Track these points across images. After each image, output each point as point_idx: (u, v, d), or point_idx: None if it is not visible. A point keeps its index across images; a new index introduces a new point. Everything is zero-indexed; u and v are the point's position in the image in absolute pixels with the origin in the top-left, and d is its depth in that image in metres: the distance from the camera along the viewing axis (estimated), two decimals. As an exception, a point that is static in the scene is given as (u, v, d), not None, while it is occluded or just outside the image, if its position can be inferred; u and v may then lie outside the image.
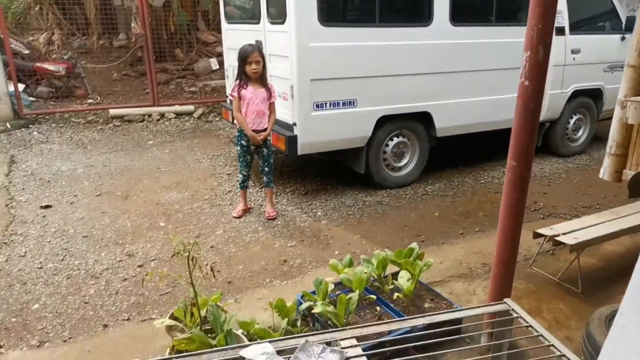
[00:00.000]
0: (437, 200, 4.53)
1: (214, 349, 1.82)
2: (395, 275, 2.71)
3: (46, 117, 7.05)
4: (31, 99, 7.22)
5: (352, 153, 4.55)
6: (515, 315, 1.80)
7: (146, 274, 2.99)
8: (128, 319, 2.77)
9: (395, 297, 2.54)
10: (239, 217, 4.09)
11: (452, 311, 1.90)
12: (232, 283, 3.15)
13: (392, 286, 2.67)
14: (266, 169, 4.04)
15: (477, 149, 5.87)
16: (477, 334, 2.44)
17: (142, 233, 3.81)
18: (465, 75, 4.69)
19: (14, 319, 2.75)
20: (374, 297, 2.59)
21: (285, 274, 3.26)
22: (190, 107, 7.60)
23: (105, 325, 2.71)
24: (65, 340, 2.59)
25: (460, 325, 2.42)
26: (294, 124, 4.08)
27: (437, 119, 4.65)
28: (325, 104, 4.09)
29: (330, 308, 2.34)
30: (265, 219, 4.05)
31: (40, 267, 3.28)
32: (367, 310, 2.57)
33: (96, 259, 3.41)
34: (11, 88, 6.65)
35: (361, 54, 4.14)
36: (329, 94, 4.08)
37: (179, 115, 7.44)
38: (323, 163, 5.34)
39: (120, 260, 3.39)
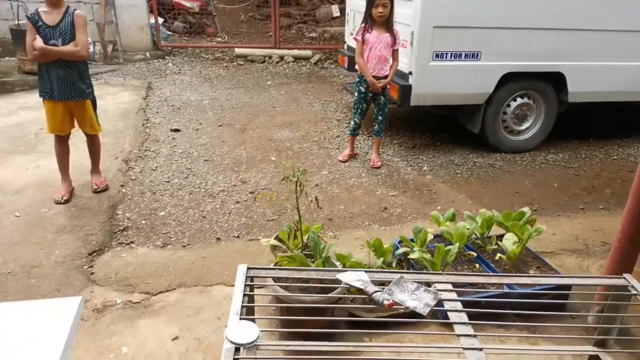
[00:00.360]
0: (557, 170, 4.20)
1: (314, 268, 1.95)
2: (500, 237, 2.61)
3: (179, 50, 7.65)
4: (168, 32, 7.85)
5: (467, 110, 4.34)
6: (634, 292, 1.66)
7: (258, 193, 3.22)
8: (238, 237, 3.04)
9: (497, 257, 2.47)
10: (345, 161, 4.17)
11: (561, 276, 1.80)
12: (332, 220, 3.27)
13: (495, 247, 2.59)
14: (380, 117, 4.02)
15: (613, 121, 5.25)
16: (584, 308, 2.29)
17: (255, 164, 4.07)
18: (610, 35, 4.13)
19: (143, 221, 3.16)
20: (474, 254, 2.54)
21: (384, 220, 3.31)
22: (308, 52, 7.73)
23: (218, 239, 3.01)
24: (184, 246, 2.93)
25: (568, 294, 2.26)
26: (410, 73, 3.97)
27: (571, 82, 4.21)
28: (446, 54, 3.90)
29: (428, 256, 2.35)
30: (369, 167, 4.09)
31: (168, 181, 3.68)
32: (465, 266, 2.53)
33: (214, 181, 3.73)
34: (152, 20, 7.27)
35: (492, 1, 3.84)
36: (451, 43, 3.88)
37: (296, 59, 7.62)
38: (434, 118, 5.18)
39: (234, 185, 3.68)
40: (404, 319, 2.05)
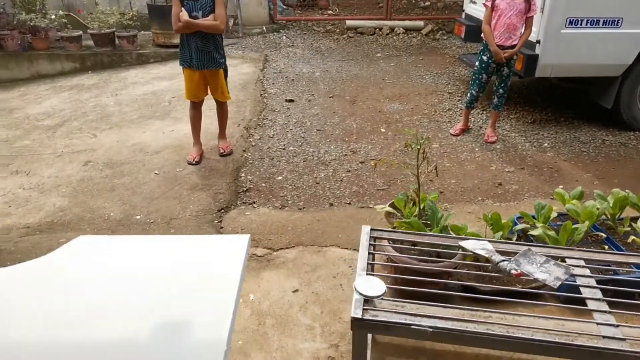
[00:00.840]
0: None
1: (436, 233, 1.98)
2: (634, 219, 2.42)
3: (293, 24, 7.87)
4: (283, 6, 8.10)
5: (600, 83, 3.97)
6: None
7: (379, 160, 3.28)
8: (349, 203, 3.15)
9: (630, 240, 2.29)
10: (457, 135, 4.07)
11: None
12: (443, 193, 3.24)
13: (628, 229, 2.40)
14: (500, 90, 3.84)
15: None
16: None
17: (365, 135, 4.13)
18: None
19: (263, 184, 3.39)
20: (603, 235, 2.38)
21: (498, 196, 3.20)
22: (420, 23, 7.51)
23: (331, 204, 3.14)
24: (300, 209, 3.11)
25: None
26: (537, 42, 3.71)
27: None
28: (581, 20, 3.57)
29: (552, 233, 2.25)
30: (483, 142, 3.95)
31: (284, 149, 3.89)
32: (592, 247, 2.39)
33: (326, 150, 3.87)
34: (269, -5, 7.54)
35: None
36: (588, 8, 3.55)
37: (407, 30, 7.45)
38: (559, 91, 4.81)
39: (345, 155, 3.78)
40: (517, 299, 2.00)
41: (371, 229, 1.89)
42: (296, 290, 2.36)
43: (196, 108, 3.59)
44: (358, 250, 2.65)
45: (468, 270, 2.25)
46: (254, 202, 3.18)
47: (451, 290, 2.27)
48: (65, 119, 4.47)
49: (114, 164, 3.62)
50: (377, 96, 5.02)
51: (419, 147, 2.19)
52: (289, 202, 3.19)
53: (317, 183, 3.40)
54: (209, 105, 3.81)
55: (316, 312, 2.22)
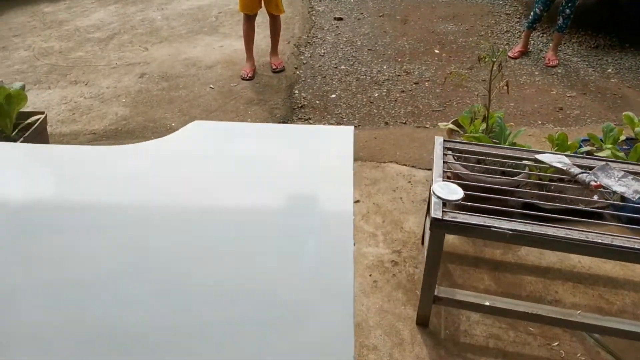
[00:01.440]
0: None
1: (509, 147, 1.98)
2: None
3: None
4: None
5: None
6: None
7: (450, 73, 3.22)
8: (405, 123, 3.14)
9: (703, 164, 2.24)
10: (515, 57, 3.91)
11: None
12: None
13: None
14: (567, 10, 3.61)
15: None
16: None
17: (418, 56, 4.01)
18: None
19: (317, 102, 3.39)
20: (674, 159, 2.33)
21: (559, 121, 3.13)
22: (475, -62, 6.96)
23: (387, 123, 3.14)
24: (356, 126, 3.10)
25: None
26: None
27: None
28: None
29: (621, 154, 2.22)
30: (543, 65, 3.79)
31: (335, 67, 3.84)
32: (659, 171, 2.35)
33: (379, 69, 3.79)
34: None
35: None
36: None
37: (460, -54, 6.94)
38: (624, 16, 4.50)
39: (398, 75, 3.71)
40: (579, 219, 2.02)
41: (444, 140, 1.90)
42: (357, 201, 2.44)
43: (250, 21, 3.53)
44: (416, 167, 2.71)
45: (530, 189, 2.27)
46: (310, 118, 3.20)
47: (513, 207, 2.30)
48: (115, 32, 4.47)
49: (169, 77, 3.66)
50: (429, 16, 4.80)
51: (494, 60, 2.13)
52: (344, 119, 3.20)
53: (371, 102, 3.37)
54: (259, 22, 3.73)
55: (378, 221, 2.30)
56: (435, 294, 1.67)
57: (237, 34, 4.32)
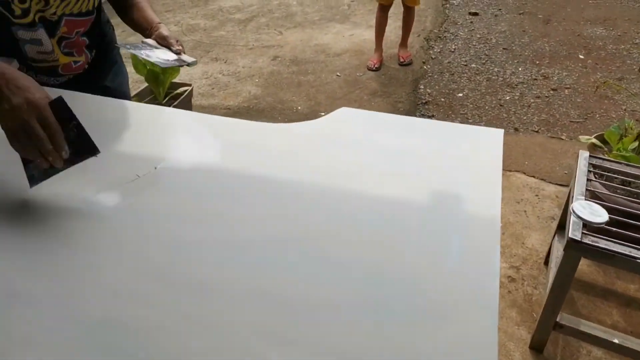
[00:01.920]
0: None
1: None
2: None
3: None
4: None
5: None
6: None
7: (603, 82, 2.98)
8: (537, 131, 2.93)
9: None
10: (678, 71, 3.44)
11: None
12: (652, 136, 2.84)
13: None
14: None
15: None
16: None
17: (559, 60, 3.71)
18: None
19: (442, 99, 3.30)
20: None
21: None
22: None
23: (516, 129, 2.96)
24: (481, 128, 2.98)
25: None
26: None
27: None
28: None
29: None
30: None
31: (465, 65, 3.69)
32: None
33: (513, 71, 3.58)
34: None
35: None
36: None
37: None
38: None
39: (535, 79, 3.47)
40: None
41: (590, 156, 1.74)
42: (476, 207, 2.34)
43: (384, 11, 3.52)
44: (545, 180, 2.53)
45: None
46: (433, 116, 3.13)
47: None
48: (254, 15, 4.73)
49: (299, 61, 3.80)
50: (576, 17, 4.40)
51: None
52: (470, 120, 3.08)
53: (500, 105, 3.20)
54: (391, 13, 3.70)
55: (497, 232, 2.19)
56: (558, 320, 1.56)
57: (368, 23, 4.34)
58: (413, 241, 0.82)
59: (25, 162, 0.83)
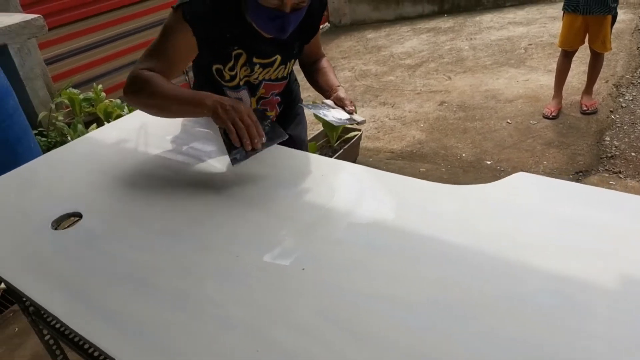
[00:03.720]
0: None
1: None
2: None
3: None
4: None
5: None
6: None
7: None
8: None
9: None
10: None
11: None
12: None
13: None
14: None
15: None
16: None
17: None
18: None
19: (633, 153, 2.92)
20: None
21: None
22: None
23: None
24: (684, 191, 2.56)
25: None
26: None
27: None
28: None
29: None
30: None
31: (666, 115, 3.22)
32: None
33: None
34: None
35: None
36: None
37: None
38: None
39: None
40: None
41: None
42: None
43: (567, 57, 3.30)
44: None
45: None
46: (620, 172, 2.79)
47: None
48: (424, 60, 4.84)
49: (467, 107, 3.76)
50: None
51: None
52: (668, 180, 2.67)
53: None
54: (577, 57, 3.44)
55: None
56: None
57: (546, 68, 4.10)
58: (598, 331, 0.76)
59: (230, 149, 1.17)
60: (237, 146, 1.16)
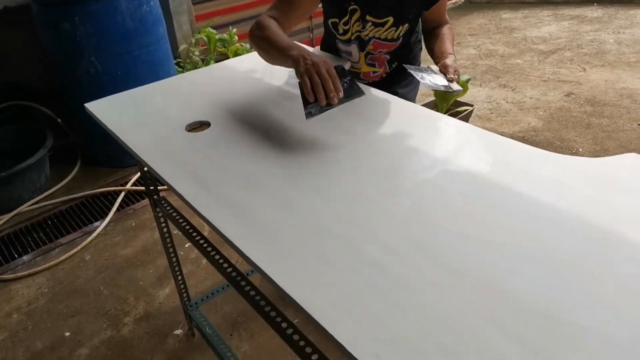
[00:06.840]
0: None
1: None
2: None
3: None
4: None
5: None
6: None
7: None
8: None
9: None
10: None
11: None
12: None
13: None
14: None
15: None
16: None
17: None
18: None
19: None
20: None
21: None
22: None
23: None
24: None
25: None
26: None
27: None
28: None
29: None
30: None
31: None
32: None
33: None
34: None
35: None
36: None
37: None
38: None
39: None
40: None
41: None
42: None
43: None
44: None
45: None
46: None
47: None
48: (559, 47, 4.50)
49: (596, 102, 3.48)
50: None
51: None
52: None
53: None
54: None
55: None
56: None
57: (703, 74, 3.62)
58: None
59: (305, 103, 1.16)
60: (311, 101, 1.15)
